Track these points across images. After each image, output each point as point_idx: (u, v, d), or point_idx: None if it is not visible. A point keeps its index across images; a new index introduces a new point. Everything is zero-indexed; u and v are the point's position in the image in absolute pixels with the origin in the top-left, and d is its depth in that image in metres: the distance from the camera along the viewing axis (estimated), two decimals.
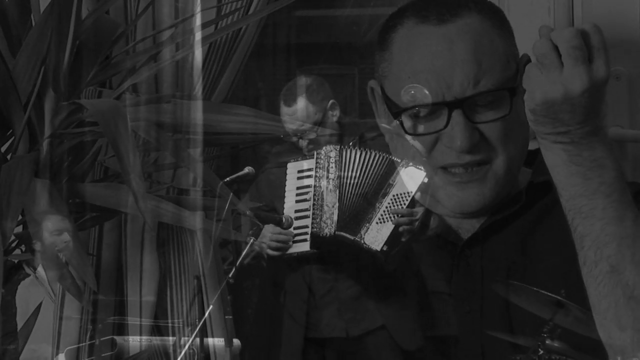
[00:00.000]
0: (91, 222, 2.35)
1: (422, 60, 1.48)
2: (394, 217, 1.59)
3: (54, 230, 1.91)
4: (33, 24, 2.20)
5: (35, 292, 2.29)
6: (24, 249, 2.14)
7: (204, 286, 2.70)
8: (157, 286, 2.74)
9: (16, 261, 2.12)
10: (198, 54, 2.40)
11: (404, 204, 1.58)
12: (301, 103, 2.70)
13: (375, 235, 1.61)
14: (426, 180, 1.51)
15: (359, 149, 1.91)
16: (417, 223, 1.54)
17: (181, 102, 2.18)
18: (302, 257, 2.20)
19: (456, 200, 1.51)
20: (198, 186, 2.65)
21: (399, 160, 1.61)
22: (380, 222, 1.61)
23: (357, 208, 1.72)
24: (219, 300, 2.63)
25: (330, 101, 2.65)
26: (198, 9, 2.34)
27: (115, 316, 2.62)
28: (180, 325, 2.56)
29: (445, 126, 1.46)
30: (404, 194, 1.60)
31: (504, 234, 1.55)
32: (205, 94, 2.74)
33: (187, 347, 2.24)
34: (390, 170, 1.62)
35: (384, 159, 1.65)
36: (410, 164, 1.56)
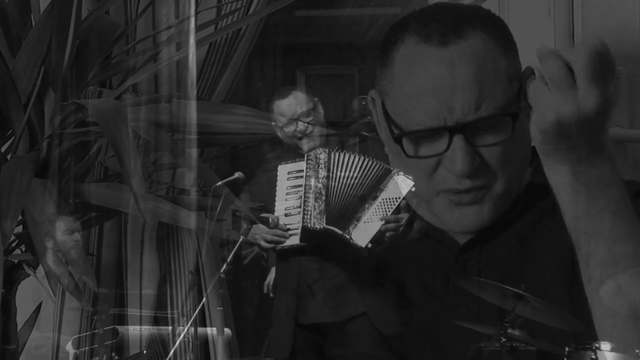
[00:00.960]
0: (92, 222, 2.35)
1: (423, 82, 1.46)
2: (380, 220, 1.64)
3: (66, 229, 1.93)
4: (33, 24, 2.20)
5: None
6: (24, 249, 2.15)
7: (203, 281, 2.74)
8: (157, 285, 2.76)
9: (16, 261, 2.12)
10: (194, 55, 2.40)
11: (392, 208, 1.62)
12: (295, 94, 2.81)
13: (362, 233, 1.67)
14: (414, 189, 1.54)
15: (348, 152, 1.95)
16: (401, 228, 1.56)
17: (181, 102, 2.18)
18: (292, 249, 2.27)
19: (455, 220, 1.51)
20: (198, 186, 2.66)
21: (391, 169, 1.62)
22: (368, 222, 1.67)
23: (346, 206, 1.77)
24: (216, 294, 2.69)
25: (315, 98, 2.77)
26: (192, 11, 2.35)
27: (116, 308, 2.68)
28: (177, 317, 2.62)
29: (446, 150, 1.45)
30: (392, 199, 1.65)
31: (502, 237, 1.55)
32: (205, 94, 2.74)
33: (182, 335, 2.33)
34: (382, 176, 1.66)
35: (375, 164, 1.70)
36: (401, 172, 1.59)
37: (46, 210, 1.95)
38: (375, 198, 1.67)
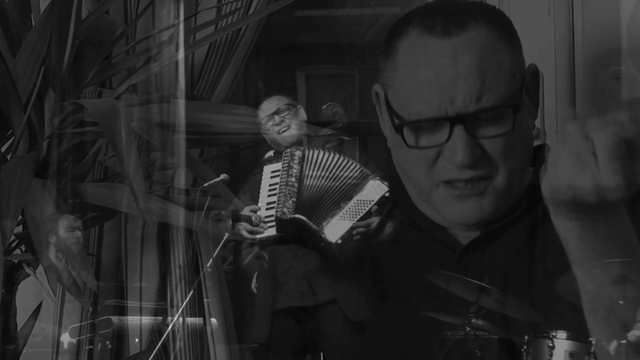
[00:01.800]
0: (91, 222, 2.35)
1: (426, 73, 1.46)
2: (353, 219, 1.69)
3: (67, 227, 1.94)
4: (33, 24, 2.20)
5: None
6: (24, 249, 2.15)
7: (203, 279, 2.78)
8: (157, 284, 2.77)
9: (16, 261, 2.12)
10: (182, 60, 2.42)
11: (364, 209, 1.67)
12: (276, 96, 2.89)
13: (334, 229, 1.73)
14: (387, 194, 1.57)
15: (323, 150, 2.02)
16: (371, 231, 1.61)
17: (178, 103, 2.18)
18: (270, 239, 2.36)
19: (456, 212, 1.51)
20: (197, 186, 2.67)
21: (369, 173, 1.66)
22: (341, 220, 1.71)
23: (318, 200, 1.82)
24: (202, 287, 2.75)
25: (298, 105, 2.86)
26: (182, 17, 2.36)
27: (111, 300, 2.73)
28: (176, 308, 2.69)
29: (447, 140, 1.45)
30: (366, 201, 1.69)
31: (503, 239, 1.55)
32: (205, 94, 2.74)
33: (171, 326, 2.42)
34: (358, 177, 1.70)
35: (351, 164, 1.74)
36: (378, 177, 1.64)
37: (46, 210, 1.95)
38: (350, 198, 1.71)
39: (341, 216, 1.73)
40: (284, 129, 2.63)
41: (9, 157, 2.12)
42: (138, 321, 2.70)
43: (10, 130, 2.13)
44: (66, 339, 2.60)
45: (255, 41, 2.81)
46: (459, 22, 1.47)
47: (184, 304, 2.53)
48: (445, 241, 1.58)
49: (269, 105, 2.84)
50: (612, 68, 2.70)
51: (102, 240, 2.81)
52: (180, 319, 2.55)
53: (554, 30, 2.72)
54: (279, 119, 2.64)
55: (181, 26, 2.33)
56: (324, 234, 1.71)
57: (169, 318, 2.59)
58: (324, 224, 1.74)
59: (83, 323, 2.60)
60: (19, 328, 2.20)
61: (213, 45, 2.72)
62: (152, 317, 2.72)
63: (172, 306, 2.67)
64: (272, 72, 4.70)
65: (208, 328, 2.68)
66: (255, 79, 4.40)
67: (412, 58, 1.49)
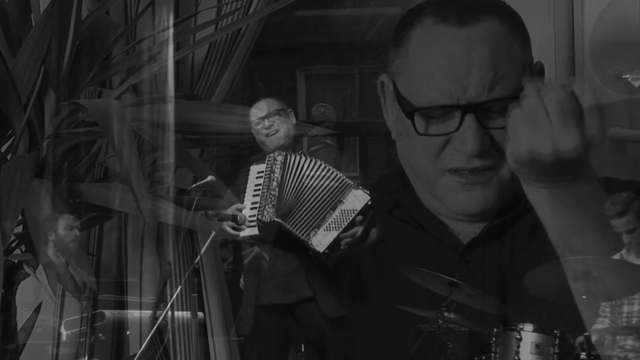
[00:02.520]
0: (87, 223, 2.35)
1: (440, 60, 1.46)
2: (338, 229, 1.73)
3: (66, 225, 1.95)
4: (33, 24, 2.20)
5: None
6: (24, 249, 2.15)
7: (203, 279, 2.79)
8: (157, 284, 2.78)
9: (16, 261, 2.12)
10: (172, 65, 2.43)
11: (348, 219, 1.71)
12: (268, 99, 2.92)
13: (321, 239, 1.76)
14: (370, 203, 1.61)
15: (305, 156, 2.06)
16: (356, 240, 1.66)
17: (171, 103, 2.19)
18: (253, 238, 2.42)
19: (460, 201, 1.51)
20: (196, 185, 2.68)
21: (351, 182, 1.69)
22: (327, 230, 1.74)
23: (297, 205, 1.85)
24: (191, 282, 2.78)
25: (289, 109, 2.89)
26: (171, 22, 2.37)
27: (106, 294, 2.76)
28: (174, 303, 2.73)
29: (457, 129, 1.45)
30: (350, 210, 1.72)
31: (503, 238, 1.55)
32: (205, 94, 2.75)
33: (159, 320, 2.48)
34: (342, 187, 1.73)
35: (331, 173, 1.77)
36: (360, 187, 1.67)
37: (45, 210, 1.95)
38: (334, 208, 1.75)
39: (327, 227, 1.75)
40: (273, 132, 2.67)
41: (9, 157, 2.13)
42: (132, 314, 2.75)
43: (10, 130, 2.13)
44: (64, 331, 2.65)
45: (255, 41, 2.81)
46: (473, 13, 1.48)
47: (172, 298, 2.57)
48: (447, 241, 1.58)
49: (260, 108, 2.87)
50: (612, 68, 2.70)
51: (102, 240, 2.82)
52: (170, 313, 2.60)
53: (554, 30, 2.72)
54: (268, 123, 2.69)
55: (171, 31, 2.34)
56: (311, 244, 1.74)
57: (158, 312, 2.64)
58: (311, 234, 1.76)
59: (77, 316, 2.63)
60: (17, 322, 2.20)
61: (213, 45, 2.72)
62: (146, 311, 2.75)
63: (162, 301, 2.69)
64: (272, 72, 4.70)
65: (194, 321, 2.72)
66: (255, 79, 4.40)
67: (426, 45, 1.49)
